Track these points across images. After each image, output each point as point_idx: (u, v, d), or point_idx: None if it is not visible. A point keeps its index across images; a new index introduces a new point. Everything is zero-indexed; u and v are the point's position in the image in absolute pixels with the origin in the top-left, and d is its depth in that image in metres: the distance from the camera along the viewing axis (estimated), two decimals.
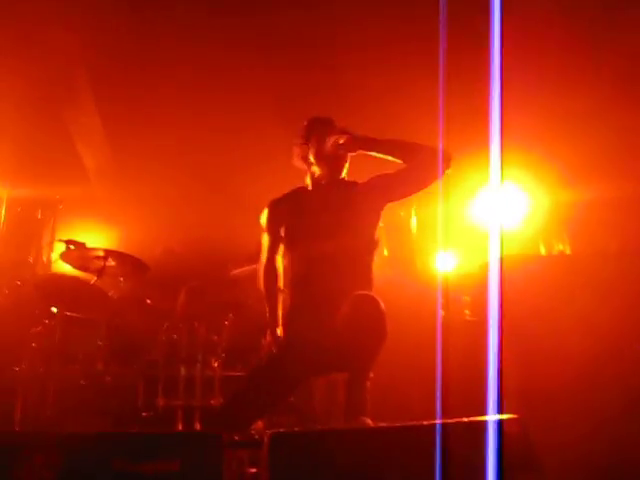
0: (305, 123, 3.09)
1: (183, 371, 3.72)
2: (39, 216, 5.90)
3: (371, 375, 2.76)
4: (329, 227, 2.91)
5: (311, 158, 3.02)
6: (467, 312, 4.13)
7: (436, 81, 4.01)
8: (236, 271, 4.17)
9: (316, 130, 3.02)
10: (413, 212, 4.77)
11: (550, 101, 4.50)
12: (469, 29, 3.99)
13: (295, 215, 2.99)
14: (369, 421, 2.68)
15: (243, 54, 4.84)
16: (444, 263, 4.94)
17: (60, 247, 4.27)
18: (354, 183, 3.08)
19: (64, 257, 4.25)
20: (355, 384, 2.74)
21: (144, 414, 3.66)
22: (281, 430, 2.00)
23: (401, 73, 4.80)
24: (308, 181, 3.08)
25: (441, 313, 4.24)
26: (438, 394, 2.80)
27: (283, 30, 4.78)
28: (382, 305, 2.71)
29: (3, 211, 5.72)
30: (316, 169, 3.01)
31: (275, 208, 3.06)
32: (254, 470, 2.45)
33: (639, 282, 3.23)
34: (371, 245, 2.98)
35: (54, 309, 3.99)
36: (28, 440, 1.96)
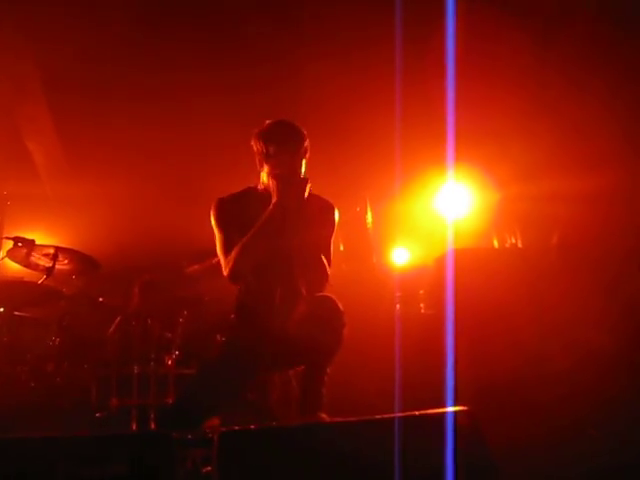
0: (267, 123, 2.93)
1: (136, 369, 3.65)
2: None
3: (328, 371, 2.76)
4: (278, 227, 2.81)
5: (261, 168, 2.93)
6: (422, 305, 4.18)
7: (392, 82, 4.05)
8: (191, 268, 4.12)
9: (273, 139, 2.86)
10: (368, 207, 4.78)
11: (500, 99, 4.59)
12: (424, 33, 4.03)
13: (244, 215, 2.88)
14: (325, 416, 2.68)
15: (200, 53, 4.79)
16: (399, 257, 4.98)
17: (8, 245, 4.14)
18: (307, 202, 2.92)
19: (11, 255, 4.13)
20: (312, 380, 2.74)
21: (97, 415, 3.59)
22: (231, 428, 1.98)
23: (360, 75, 4.82)
24: (262, 179, 2.97)
25: (397, 307, 4.28)
26: (397, 388, 2.82)
27: (243, 34, 4.76)
28: (340, 305, 2.71)
29: None
30: (264, 177, 2.91)
31: (223, 207, 2.95)
32: (208, 469, 2.42)
33: (582, 271, 3.32)
34: (323, 243, 2.92)
35: (0, 309, 3.87)
36: None
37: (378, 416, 2.18)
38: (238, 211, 2.93)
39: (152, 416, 3.53)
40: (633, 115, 4.25)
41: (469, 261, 3.50)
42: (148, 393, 3.60)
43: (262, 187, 2.94)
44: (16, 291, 3.98)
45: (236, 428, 2.00)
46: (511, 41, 4.38)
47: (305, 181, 2.84)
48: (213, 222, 2.97)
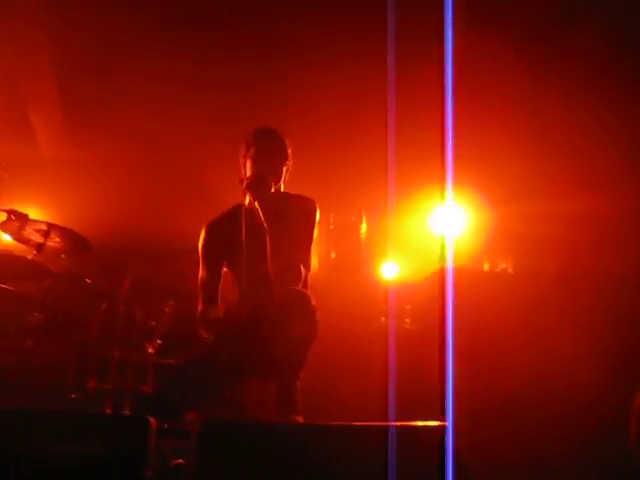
0: (250, 132, 3.00)
1: (117, 354, 3.64)
2: None
3: (300, 375, 2.77)
4: (257, 249, 2.81)
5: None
6: (407, 321, 4.19)
7: (386, 96, 4.07)
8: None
9: (254, 145, 2.94)
10: (364, 218, 4.80)
11: (497, 119, 4.64)
12: (421, 48, 4.06)
13: (232, 237, 2.88)
14: (300, 419, 2.69)
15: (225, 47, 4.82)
16: (389, 271, 5.00)
17: (1, 217, 4.12)
18: (286, 195, 3.02)
19: (4, 227, 4.11)
20: (285, 384, 2.75)
21: (73, 395, 3.57)
22: (212, 420, 1.99)
23: (359, 85, 4.86)
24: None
25: (382, 319, 4.29)
26: (388, 397, 2.82)
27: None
28: (313, 301, 2.71)
29: None
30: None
31: (209, 234, 3.00)
32: (179, 461, 2.41)
33: (576, 303, 3.34)
34: (303, 241, 2.92)
35: None
36: None
37: (356, 423, 2.19)
38: (226, 233, 2.95)
39: (127, 402, 3.52)
40: (631, 136, 4.30)
41: (459, 281, 3.52)
42: (126, 378, 3.59)
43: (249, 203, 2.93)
44: (4, 264, 3.96)
45: (215, 420, 2.01)
46: (508, 60, 4.44)
47: (265, 179, 2.84)
48: (199, 249, 3.01)
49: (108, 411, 3.47)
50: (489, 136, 4.66)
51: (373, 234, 5.03)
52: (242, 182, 2.89)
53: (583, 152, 4.38)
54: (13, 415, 1.97)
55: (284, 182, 3.05)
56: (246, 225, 2.83)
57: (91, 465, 1.83)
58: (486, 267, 4.46)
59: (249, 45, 4.86)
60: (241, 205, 3.00)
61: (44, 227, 4.01)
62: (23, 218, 4.00)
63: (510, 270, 4.33)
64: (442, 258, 3.77)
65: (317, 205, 3.02)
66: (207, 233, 3.03)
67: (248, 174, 2.94)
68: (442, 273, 3.56)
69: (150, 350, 3.73)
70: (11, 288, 3.97)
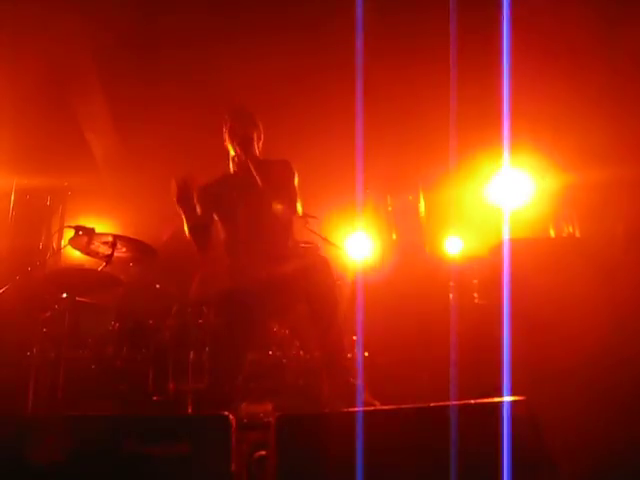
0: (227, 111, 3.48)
1: (192, 355, 3.73)
2: (48, 203, 5.91)
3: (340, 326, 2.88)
4: (250, 201, 3.30)
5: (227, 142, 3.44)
6: (476, 295, 4.13)
7: (447, 71, 3.98)
8: None
9: (230, 118, 3.45)
10: (421, 196, 4.75)
11: (559, 85, 4.44)
12: (479, 15, 3.94)
13: (223, 196, 3.38)
14: (377, 403, 2.70)
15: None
16: (452, 247, 4.93)
17: (69, 233, 4.28)
18: (266, 161, 3.41)
19: (73, 243, 4.26)
20: (327, 338, 2.92)
21: (155, 398, 3.69)
22: (287, 413, 2.01)
23: (413, 65, 4.75)
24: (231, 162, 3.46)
25: (450, 296, 4.24)
26: (451, 376, 2.80)
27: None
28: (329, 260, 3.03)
29: (12, 199, 5.74)
30: (231, 150, 3.42)
31: (202, 192, 3.36)
32: (263, 453, 2.46)
33: None
34: (286, 182, 3.32)
35: (64, 295, 4.01)
36: (39, 423, 1.98)
37: (433, 404, 2.17)
38: (216, 190, 3.43)
39: (206, 401, 3.61)
40: None
41: (525, 251, 3.44)
42: (202, 378, 3.67)
43: (233, 168, 3.45)
44: (78, 278, 4.10)
45: (289, 413, 2.03)
46: (576, 18, 4.22)
47: (252, 139, 3.37)
48: (194, 200, 3.33)
49: (189, 410, 3.57)
50: (553, 98, 4.46)
51: (433, 211, 4.97)
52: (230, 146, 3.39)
53: None
54: (103, 421, 2.05)
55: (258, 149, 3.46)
56: (237, 179, 3.37)
57: (179, 465, 1.88)
58: (552, 233, 4.33)
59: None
60: (227, 171, 3.49)
61: (110, 239, 4.13)
62: (90, 232, 4.13)
63: (577, 234, 4.19)
64: (505, 229, 3.69)
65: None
66: (199, 190, 3.36)
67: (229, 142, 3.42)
68: (506, 244, 3.49)
69: None
70: (88, 300, 4.12)
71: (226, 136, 3.45)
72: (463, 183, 5.03)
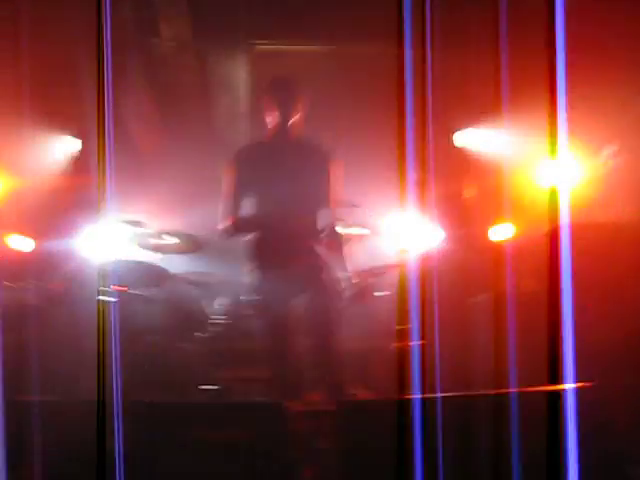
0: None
1: (241, 344, 3.75)
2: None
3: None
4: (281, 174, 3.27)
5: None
6: (531, 281, 4.02)
7: (497, 49, 3.87)
8: None
9: (272, 88, 3.45)
10: (470, 181, 4.64)
11: (618, 55, 4.23)
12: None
13: (257, 164, 3.35)
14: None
15: None
16: (505, 232, 4.81)
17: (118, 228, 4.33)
18: (305, 140, 3.40)
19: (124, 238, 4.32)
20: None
21: (208, 387, 3.72)
22: (347, 399, 1.99)
23: (464, 48, 4.63)
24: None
25: (506, 283, 4.15)
26: (511, 365, 2.74)
27: None
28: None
29: None
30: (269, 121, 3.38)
31: (238, 157, 3.38)
32: (318, 439, 2.44)
33: None
34: (320, 193, 3.30)
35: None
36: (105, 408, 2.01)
37: (492, 391, 2.13)
38: (252, 159, 3.37)
39: (259, 389, 3.62)
40: None
41: (584, 237, 3.33)
42: (254, 367, 3.68)
43: (269, 139, 3.41)
44: (130, 272, 4.14)
45: (350, 399, 2.01)
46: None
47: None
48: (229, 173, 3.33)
49: (244, 398, 3.59)
50: (604, 76, 4.27)
51: (482, 196, 4.86)
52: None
53: None
54: (167, 408, 2.06)
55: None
56: (272, 151, 3.34)
57: (237, 452, 1.88)
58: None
59: None
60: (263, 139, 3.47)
61: (156, 232, 4.21)
62: (137, 227, 4.21)
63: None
64: (558, 212, 3.58)
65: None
66: (235, 158, 3.38)
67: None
68: (560, 228, 3.39)
69: None
70: (140, 293, 4.19)
71: (266, 106, 3.41)
72: (513, 165, 4.88)
